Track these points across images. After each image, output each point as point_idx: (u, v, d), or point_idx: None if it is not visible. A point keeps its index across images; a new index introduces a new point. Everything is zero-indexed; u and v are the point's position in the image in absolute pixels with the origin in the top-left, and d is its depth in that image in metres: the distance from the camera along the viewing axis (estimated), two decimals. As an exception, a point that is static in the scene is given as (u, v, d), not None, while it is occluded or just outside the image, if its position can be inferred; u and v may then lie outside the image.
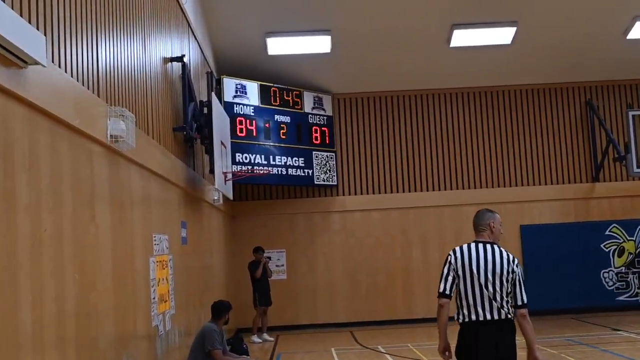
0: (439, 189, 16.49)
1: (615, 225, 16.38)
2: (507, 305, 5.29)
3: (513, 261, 5.37)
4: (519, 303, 5.33)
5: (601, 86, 16.88)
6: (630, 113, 15.24)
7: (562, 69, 16.26)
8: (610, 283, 16.24)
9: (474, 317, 5.28)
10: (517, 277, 5.34)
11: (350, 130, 16.67)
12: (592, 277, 16.19)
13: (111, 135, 6.03)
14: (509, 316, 5.31)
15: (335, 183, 16.19)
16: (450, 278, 5.33)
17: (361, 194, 16.47)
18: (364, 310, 15.97)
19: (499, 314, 5.26)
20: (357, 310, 15.95)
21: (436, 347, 5.62)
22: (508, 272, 5.30)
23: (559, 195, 16.48)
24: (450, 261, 5.39)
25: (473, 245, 5.42)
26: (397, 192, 16.45)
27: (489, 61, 15.70)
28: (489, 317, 5.26)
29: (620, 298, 16.21)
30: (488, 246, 5.39)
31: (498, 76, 16.39)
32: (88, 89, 5.74)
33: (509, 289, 5.30)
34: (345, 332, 15.04)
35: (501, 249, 5.43)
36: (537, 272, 16.06)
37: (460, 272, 5.33)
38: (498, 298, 5.26)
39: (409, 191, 16.45)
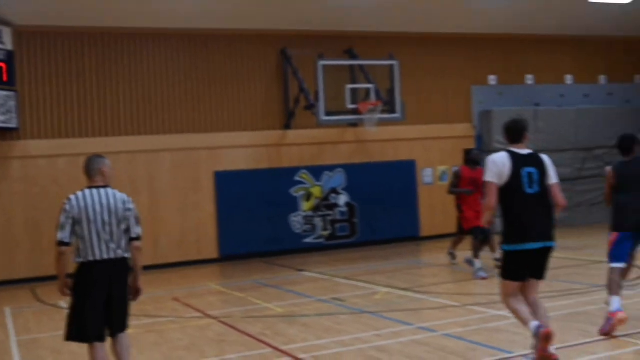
0: (132, 134, 15.79)
1: (304, 171, 17.11)
2: (123, 244, 5.84)
3: (127, 201, 5.94)
4: (134, 236, 5.93)
5: (296, 36, 17.28)
6: (320, 63, 15.86)
7: (258, 16, 16.30)
8: (298, 226, 17.00)
9: (90, 258, 5.75)
10: (132, 214, 5.92)
11: (35, 68, 15.16)
12: (282, 222, 16.78)
13: None
14: (125, 255, 5.87)
15: (16, 126, 14.65)
16: (67, 226, 5.73)
17: (47, 138, 15.15)
18: (48, 264, 14.78)
19: (115, 253, 5.80)
20: (40, 265, 14.72)
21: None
22: (123, 211, 5.86)
23: (252, 142, 16.73)
24: (66, 209, 5.78)
25: (87, 191, 5.87)
26: (87, 136, 15.41)
27: (191, 2, 15.18)
28: (105, 256, 5.76)
29: (307, 240, 17.06)
30: (102, 190, 5.90)
31: (191, 19, 15.92)
32: None
33: (125, 227, 5.86)
34: (26, 288, 13.88)
35: (114, 191, 5.94)
36: (231, 218, 16.27)
37: (77, 218, 5.73)
38: (115, 238, 5.80)
39: (100, 136, 15.51)
